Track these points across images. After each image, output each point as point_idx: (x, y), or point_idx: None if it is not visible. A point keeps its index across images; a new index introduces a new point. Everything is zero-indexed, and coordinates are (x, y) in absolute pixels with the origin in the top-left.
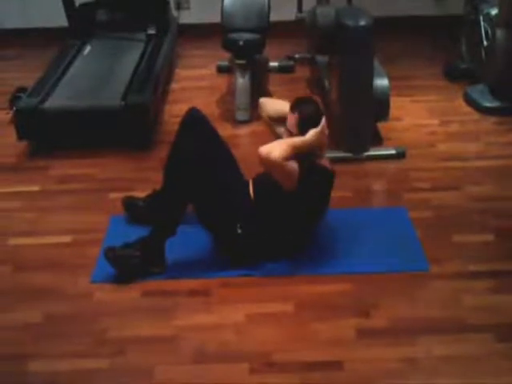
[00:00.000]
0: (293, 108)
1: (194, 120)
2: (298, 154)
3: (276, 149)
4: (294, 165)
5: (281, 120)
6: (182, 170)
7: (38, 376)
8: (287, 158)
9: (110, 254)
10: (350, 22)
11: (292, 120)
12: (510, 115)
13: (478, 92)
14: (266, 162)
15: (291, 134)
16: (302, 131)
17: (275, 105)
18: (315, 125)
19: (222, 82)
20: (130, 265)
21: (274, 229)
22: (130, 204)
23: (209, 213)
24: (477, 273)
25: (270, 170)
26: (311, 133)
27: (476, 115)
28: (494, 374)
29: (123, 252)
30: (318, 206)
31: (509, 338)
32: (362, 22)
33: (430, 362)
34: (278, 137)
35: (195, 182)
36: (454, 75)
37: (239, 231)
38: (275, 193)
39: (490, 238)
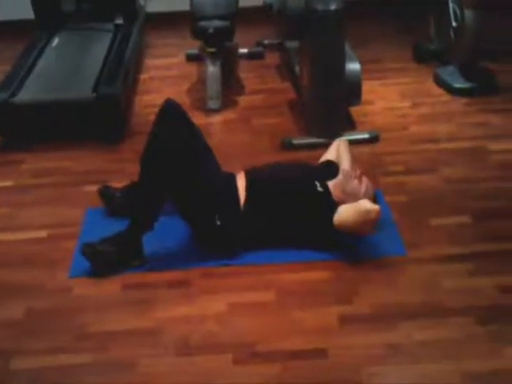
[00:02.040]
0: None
1: (171, 111)
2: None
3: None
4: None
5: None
6: (159, 162)
7: (21, 373)
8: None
9: (88, 251)
10: (319, 6)
11: (371, 190)
12: (480, 96)
13: (448, 73)
14: (370, 216)
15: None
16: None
17: (347, 154)
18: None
19: (191, 70)
20: (108, 260)
21: (258, 225)
22: (106, 194)
23: (187, 204)
24: (454, 256)
25: (357, 221)
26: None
27: (446, 96)
28: (475, 357)
29: (100, 248)
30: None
31: (489, 320)
32: (333, 6)
33: (411, 347)
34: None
35: (173, 174)
36: (423, 57)
37: (218, 223)
38: (285, 201)
39: (466, 219)
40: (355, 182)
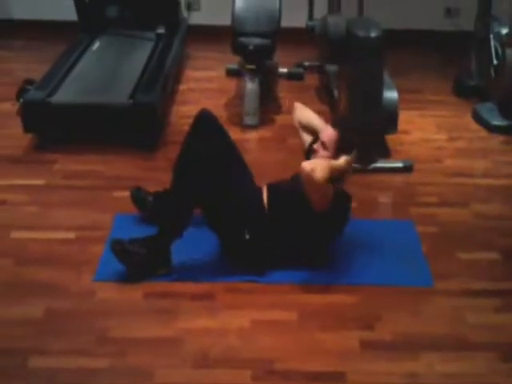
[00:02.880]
0: (335, 124)
1: (206, 121)
2: (332, 177)
3: (318, 168)
4: (330, 187)
5: (307, 128)
6: (191, 172)
7: (38, 372)
8: (327, 180)
9: (117, 247)
10: (360, 33)
11: (331, 135)
12: None
13: (487, 110)
14: (308, 178)
15: (322, 147)
16: (337, 150)
17: (309, 113)
18: (349, 151)
19: (230, 84)
20: (135, 261)
21: (284, 239)
22: (138, 196)
23: (217, 216)
24: (481, 291)
25: (309, 187)
26: (346, 159)
27: (484, 133)
28: None
29: (129, 247)
30: (336, 227)
31: None
32: (373, 33)
33: (432, 378)
34: (302, 143)
35: (204, 185)
36: (463, 92)
37: (247, 237)
38: (298, 207)
39: (495, 256)
40: (318, 156)
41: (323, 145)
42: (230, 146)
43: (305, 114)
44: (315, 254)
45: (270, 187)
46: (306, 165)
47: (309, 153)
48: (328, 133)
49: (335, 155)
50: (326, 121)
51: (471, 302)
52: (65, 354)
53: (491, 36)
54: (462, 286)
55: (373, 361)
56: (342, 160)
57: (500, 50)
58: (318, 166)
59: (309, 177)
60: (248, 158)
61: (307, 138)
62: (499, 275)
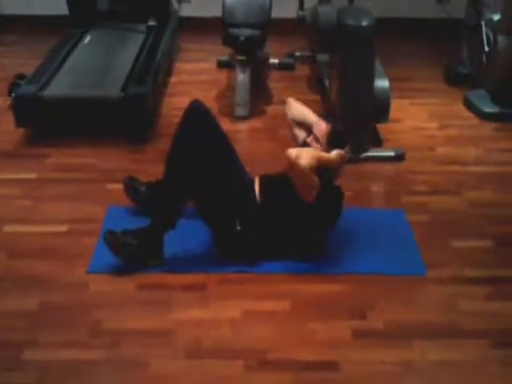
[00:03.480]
0: (327, 118)
1: (197, 112)
2: (320, 168)
3: (304, 156)
4: (315, 177)
5: (301, 124)
6: (183, 163)
7: (32, 364)
8: (313, 169)
9: (110, 238)
10: (351, 22)
11: (323, 128)
12: (509, 121)
13: (478, 97)
14: (292, 165)
15: (315, 141)
16: (329, 144)
17: (302, 109)
18: (341, 146)
19: (221, 76)
20: (128, 252)
21: (276, 230)
22: (130, 186)
23: (209, 207)
24: (474, 278)
25: (293, 174)
26: (337, 153)
27: (475, 120)
28: (489, 381)
29: (122, 238)
30: (326, 221)
31: (505, 344)
32: (364, 22)
33: (425, 366)
34: (295, 138)
35: (196, 176)
36: (454, 79)
37: (238, 228)
38: (289, 199)
39: (488, 243)
40: (311, 149)
41: (315, 138)
42: (221, 137)
43: (298, 109)
44: (307, 245)
45: (262, 179)
46: (292, 151)
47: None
48: (321, 127)
49: (327, 149)
50: (319, 114)
51: (463, 289)
52: (59, 346)
53: (483, 23)
54: (455, 274)
55: (366, 350)
56: (333, 154)
57: (492, 37)
58: (303, 153)
59: (294, 164)
60: (239, 148)
61: (301, 135)
62: (491, 263)
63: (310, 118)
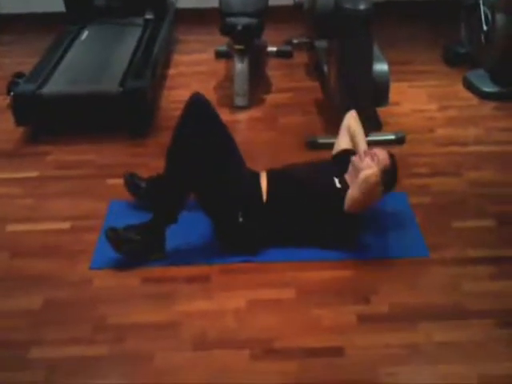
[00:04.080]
0: (390, 153)
1: (198, 105)
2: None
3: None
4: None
5: (350, 137)
6: (184, 157)
7: (38, 362)
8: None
9: (112, 235)
10: (349, 6)
11: (387, 158)
12: (509, 100)
13: (478, 77)
14: (370, 181)
15: (371, 157)
16: (382, 175)
17: (360, 129)
18: (390, 185)
19: (220, 67)
20: (130, 248)
21: (283, 224)
22: (131, 181)
23: (210, 200)
24: (477, 259)
25: (363, 192)
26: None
27: (475, 100)
28: (494, 360)
29: (124, 234)
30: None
31: (510, 324)
32: (362, 6)
33: (430, 347)
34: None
35: (197, 168)
36: (453, 60)
37: (240, 220)
38: (298, 196)
39: (489, 223)
40: (366, 160)
41: (372, 156)
42: (222, 130)
43: (357, 127)
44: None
45: (271, 175)
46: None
47: (337, 156)
48: (385, 155)
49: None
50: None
51: (467, 270)
52: (64, 343)
53: (481, 1)
54: (458, 255)
55: (371, 334)
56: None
57: (490, 16)
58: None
59: (374, 181)
60: (239, 138)
61: (343, 143)
62: (494, 242)
63: (361, 142)
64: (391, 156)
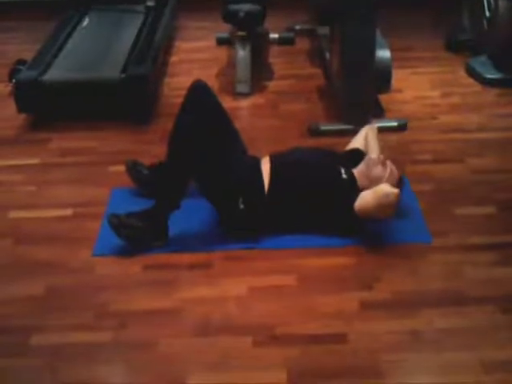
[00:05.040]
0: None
1: (200, 92)
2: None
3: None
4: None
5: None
6: (186, 143)
7: (41, 349)
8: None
9: (114, 221)
10: None
11: (397, 173)
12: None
13: (480, 63)
14: (390, 200)
15: (382, 164)
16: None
17: (375, 141)
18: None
19: (221, 54)
20: (133, 234)
21: (284, 210)
22: (133, 168)
23: (211, 186)
24: (479, 245)
25: (379, 203)
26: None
27: (478, 87)
28: (497, 347)
29: (127, 220)
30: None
31: (511, 309)
32: None
33: (432, 334)
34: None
35: (199, 156)
36: (455, 47)
37: (241, 206)
38: (303, 184)
39: (492, 210)
40: (379, 167)
41: (384, 164)
42: (223, 116)
43: (374, 139)
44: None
45: (273, 158)
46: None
47: (349, 152)
48: (397, 174)
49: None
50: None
51: (469, 256)
52: (67, 329)
53: None
54: (460, 242)
55: (373, 320)
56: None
57: (492, 2)
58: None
59: (394, 198)
60: (241, 125)
61: (358, 143)
62: (496, 229)
63: (373, 152)
64: (401, 179)
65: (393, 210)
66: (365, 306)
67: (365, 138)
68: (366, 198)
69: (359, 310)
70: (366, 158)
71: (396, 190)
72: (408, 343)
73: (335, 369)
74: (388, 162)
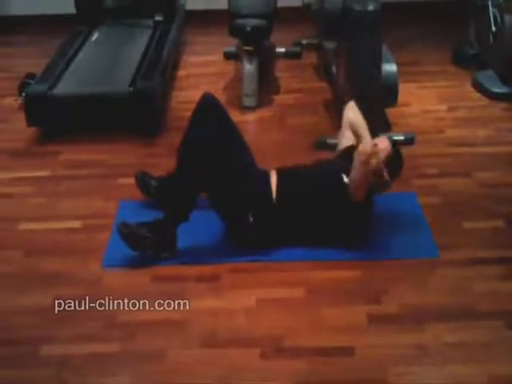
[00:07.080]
0: (390, 139)
1: (209, 105)
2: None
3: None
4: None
5: (352, 130)
6: (195, 156)
7: (50, 359)
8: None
9: (124, 230)
10: (357, 7)
11: (387, 145)
12: None
13: (487, 78)
14: (366, 150)
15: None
16: (387, 162)
17: (360, 119)
18: (395, 171)
19: (229, 68)
20: (142, 244)
21: (293, 223)
22: (142, 180)
23: (221, 199)
24: (486, 259)
25: (362, 163)
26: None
27: (484, 101)
28: (504, 361)
29: (136, 230)
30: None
31: None
32: (370, 7)
33: (440, 348)
34: (340, 137)
35: (208, 168)
36: (462, 61)
37: (251, 219)
38: (310, 194)
39: (499, 224)
40: (372, 161)
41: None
42: (232, 129)
43: (357, 116)
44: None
45: (281, 173)
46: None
47: (342, 154)
48: (384, 143)
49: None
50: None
51: (476, 270)
52: (75, 340)
53: (490, 3)
54: (467, 256)
55: (381, 334)
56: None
57: (499, 17)
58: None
59: (362, 154)
60: (249, 138)
61: (346, 140)
62: (504, 243)
63: (363, 132)
64: (393, 143)
65: (375, 160)
66: (372, 319)
67: (350, 128)
68: (352, 173)
69: (367, 324)
70: (355, 154)
71: (367, 139)
72: (415, 357)
73: (342, 382)
74: (374, 141)
